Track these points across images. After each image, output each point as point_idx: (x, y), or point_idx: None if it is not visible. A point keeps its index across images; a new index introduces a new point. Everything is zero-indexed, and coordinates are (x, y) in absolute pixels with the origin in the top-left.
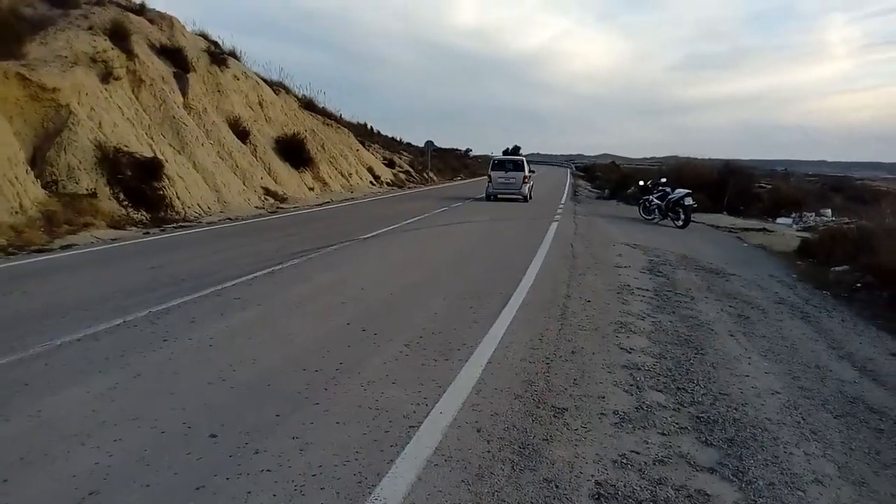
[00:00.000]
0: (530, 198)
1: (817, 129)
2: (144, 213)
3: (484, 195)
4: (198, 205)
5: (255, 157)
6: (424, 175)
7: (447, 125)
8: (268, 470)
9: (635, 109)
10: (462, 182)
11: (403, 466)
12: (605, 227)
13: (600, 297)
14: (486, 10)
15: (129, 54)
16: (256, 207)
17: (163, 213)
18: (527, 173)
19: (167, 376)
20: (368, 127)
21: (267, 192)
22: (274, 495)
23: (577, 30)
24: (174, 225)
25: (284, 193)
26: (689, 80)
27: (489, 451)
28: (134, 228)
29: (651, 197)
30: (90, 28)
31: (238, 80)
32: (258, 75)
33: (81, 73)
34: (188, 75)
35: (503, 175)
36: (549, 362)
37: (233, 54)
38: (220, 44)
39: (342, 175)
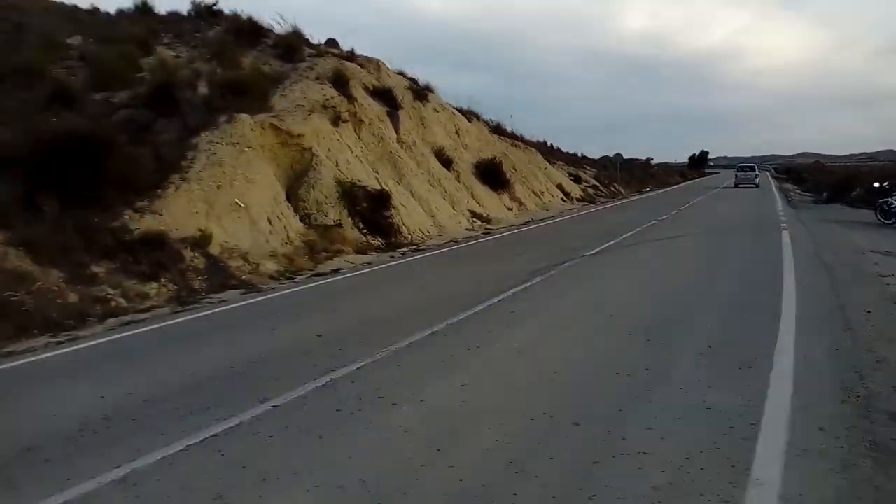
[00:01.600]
0: (758, 186)
1: None
2: (380, 239)
3: (680, 207)
4: (419, 229)
5: (459, 182)
6: (612, 188)
7: (624, 135)
8: (643, 452)
9: (837, 101)
10: (653, 193)
11: (765, 457)
12: (843, 233)
13: (879, 308)
14: (655, 12)
15: (350, 98)
16: (467, 229)
17: (393, 239)
18: (756, 172)
19: (504, 375)
20: (549, 144)
21: (473, 214)
22: (663, 471)
23: (757, 23)
24: (407, 249)
25: (488, 215)
26: None
27: (842, 447)
28: (374, 253)
29: (890, 199)
30: (317, 78)
31: (437, 112)
32: (451, 105)
33: (317, 118)
34: (398, 112)
35: (743, 173)
36: (859, 371)
37: (428, 88)
38: (418, 80)
39: (535, 194)
